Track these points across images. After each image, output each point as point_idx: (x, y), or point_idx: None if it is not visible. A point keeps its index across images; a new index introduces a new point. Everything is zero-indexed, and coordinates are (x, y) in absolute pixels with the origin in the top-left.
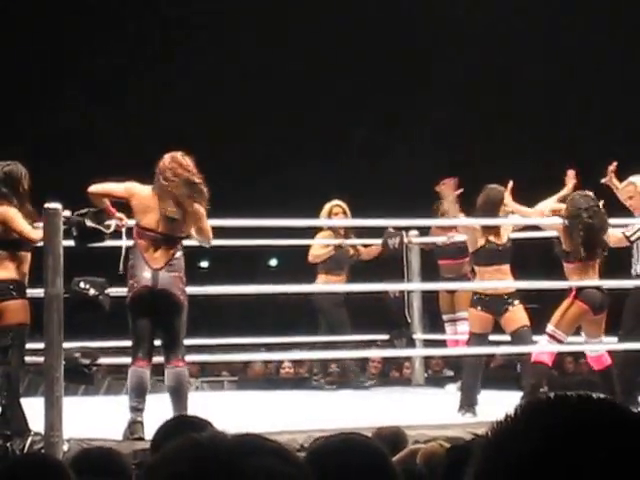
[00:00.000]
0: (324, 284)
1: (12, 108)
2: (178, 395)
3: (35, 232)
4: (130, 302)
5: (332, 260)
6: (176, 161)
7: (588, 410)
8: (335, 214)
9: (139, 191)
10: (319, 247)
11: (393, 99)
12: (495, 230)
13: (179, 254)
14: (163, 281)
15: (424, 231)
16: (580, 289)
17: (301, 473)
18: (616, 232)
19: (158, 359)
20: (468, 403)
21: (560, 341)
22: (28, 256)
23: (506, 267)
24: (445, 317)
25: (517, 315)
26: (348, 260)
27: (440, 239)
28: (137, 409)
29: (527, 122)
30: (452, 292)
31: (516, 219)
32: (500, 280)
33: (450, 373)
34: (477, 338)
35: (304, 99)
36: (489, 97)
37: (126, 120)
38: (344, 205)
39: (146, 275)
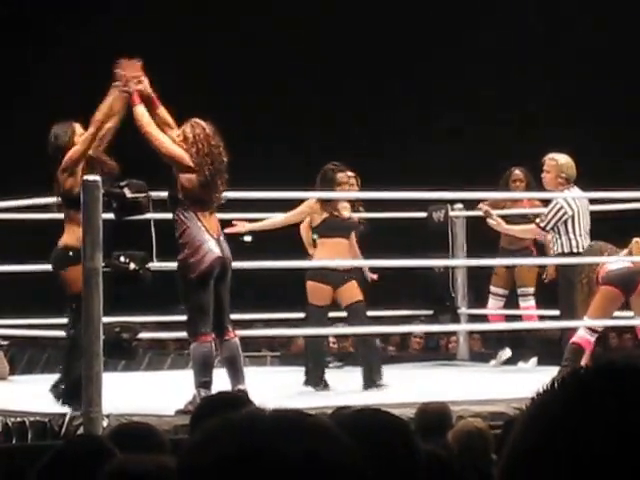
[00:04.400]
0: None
1: None
2: (237, 366)
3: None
4: (202, 275)
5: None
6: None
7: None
8: (351, 185)
9: None
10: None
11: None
12: (334, 205)
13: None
14: (227, 249)
15: (468, 204)
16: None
17: (344, 451)
18: (529, 227)
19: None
20: (317, 379)
21: (595, 331)
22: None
23: (345, 241)
24: (496, 290)
25: (354, 290)
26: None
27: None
28: (205, 383)
29: None
30: (511, 267)
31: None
32: (339, 252)
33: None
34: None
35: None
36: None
37: None
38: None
39: (215, 246)
